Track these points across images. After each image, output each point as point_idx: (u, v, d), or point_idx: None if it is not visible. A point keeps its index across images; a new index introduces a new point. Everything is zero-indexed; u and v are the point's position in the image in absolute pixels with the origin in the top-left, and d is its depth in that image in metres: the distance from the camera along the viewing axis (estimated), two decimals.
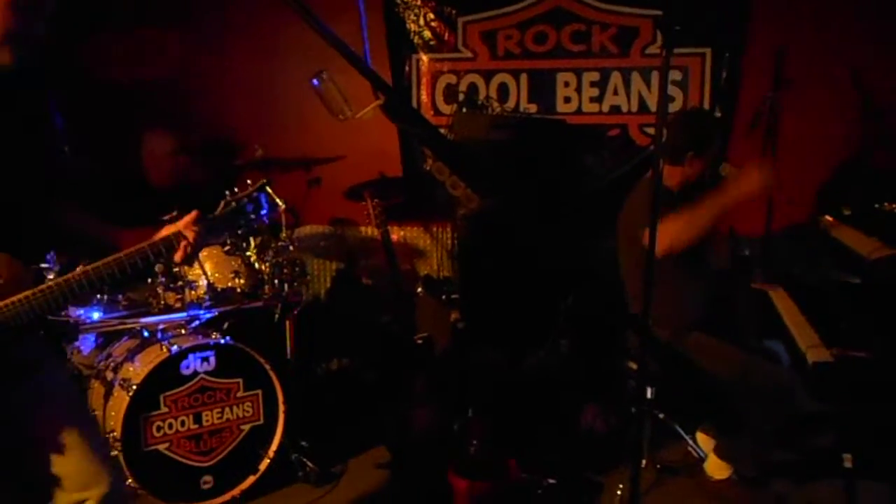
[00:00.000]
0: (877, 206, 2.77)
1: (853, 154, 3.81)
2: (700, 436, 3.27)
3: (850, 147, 3.81)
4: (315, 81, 1.23)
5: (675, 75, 4.04)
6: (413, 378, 3.23)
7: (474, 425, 2.93)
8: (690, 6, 3.92)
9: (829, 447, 2.91)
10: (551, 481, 2.91)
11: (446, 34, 4.24)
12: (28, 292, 1.63)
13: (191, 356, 2.83)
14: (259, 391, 2.99)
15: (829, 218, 3.11)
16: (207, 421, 2.87)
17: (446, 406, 3.24)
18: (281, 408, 3.01)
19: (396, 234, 4.38)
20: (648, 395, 3.01)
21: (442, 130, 3.93)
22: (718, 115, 3.97)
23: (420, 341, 3.29)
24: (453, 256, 4.02)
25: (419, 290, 3.88)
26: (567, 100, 4.17)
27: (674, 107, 3.97)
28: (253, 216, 1.94)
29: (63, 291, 1.67)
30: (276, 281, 3.21)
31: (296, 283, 3.30)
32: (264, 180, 2.00)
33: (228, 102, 4.38)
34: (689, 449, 3.23)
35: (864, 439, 2.56)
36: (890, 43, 3.79)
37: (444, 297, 3.79)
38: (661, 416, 3.20)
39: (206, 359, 2.86)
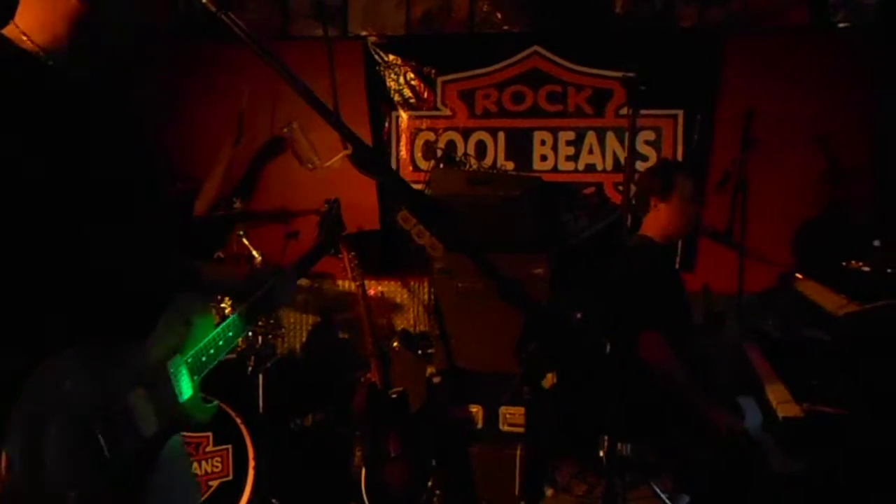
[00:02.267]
0: (844, 263, 2.82)
1: (821, 214, 3.90)
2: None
3: (818, 207, 3.91)
4: (284, 132, 1.25)
5: (648, 136, 4.15)
6: (387, 433, 3.18)
7: (438, 476, 2.89)
8: (662, 69, 4.04)
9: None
10: None
11: (425, 93, 4.33)
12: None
13: None
14: (229, 446, 2.94)
15: (798, 276, 3.17)
16: None
17: (420, 462, 3.20)
18: (251, 463, 2.95)
19: (374, 288, 4.37)
20: (626, 451, 2.99)
21: (420, 186, 3.98)
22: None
23: (395, 396, 3.26)
24: (430, 311, 4.01)
25: (395, 344, 3.86)
26: (543, 158, 4.25)
27: (647, 165, 4.05)
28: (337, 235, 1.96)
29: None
30: (250, 333, 3.19)
31: (270, 336, 3.28)
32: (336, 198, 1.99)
33: (203, 155, 4.40)
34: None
35: (836, 496, 2.56)
36: (854, 108, 3.93)
37: (420, 351, 3.78)
38: (635, 472, 3.17)
39: None
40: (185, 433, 2.76)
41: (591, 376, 2.81)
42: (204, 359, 1.47)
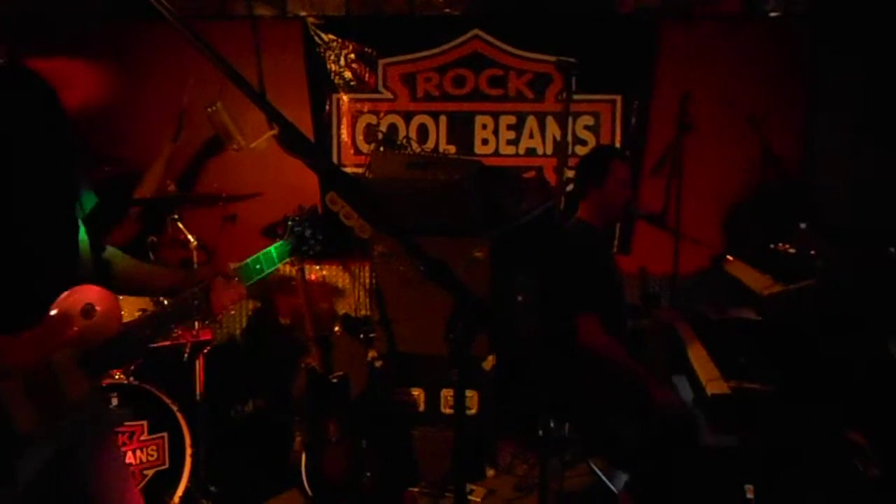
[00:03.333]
0: (772, 246, 2.92)
1: (752, 197, 4.02)
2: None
3: (749, 191, 4.03)
4: (208, 111, 1.22)
5: (587, 120, 4.20)
6: (328, 419, 3.17)
7: (368, 457, 2.91)
8: (601, 54, 4.09)
9: (733, 479, 2.98)
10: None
11: (367, 75, 4.29)
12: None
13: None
14: (165, 434, 2.88)
15: (730, 257, 3.26)
16: None
17: (361, 446, 3.20)
18: (188, 451, 2.90)
19: (315, 272, 4.34)
20: (565, 431, 3.05)
21: (361, 170, 3.95)
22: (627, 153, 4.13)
23: (335, 380, 3.24)
24: (372, 295, 4.00)
25: (337, 329, 3.84)
26: (485, 142, 4.27)
27: (586, 150, 4.11)
28: (312, 241, 1.92)
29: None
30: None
31: (207, 322, 3.22)
32: (315, 205, 1.96)
33: (136, 135, 4.27)
34: (604, 483, 3.27)
35: (765, 470, 2.66)
36: (785, 95, 4.05)
37: (362, 335, 3.76)
38: (574, 451, 3.24)
39: (107, 400, 2.74)
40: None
41: (527, 358, 2.85)
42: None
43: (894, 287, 2.28)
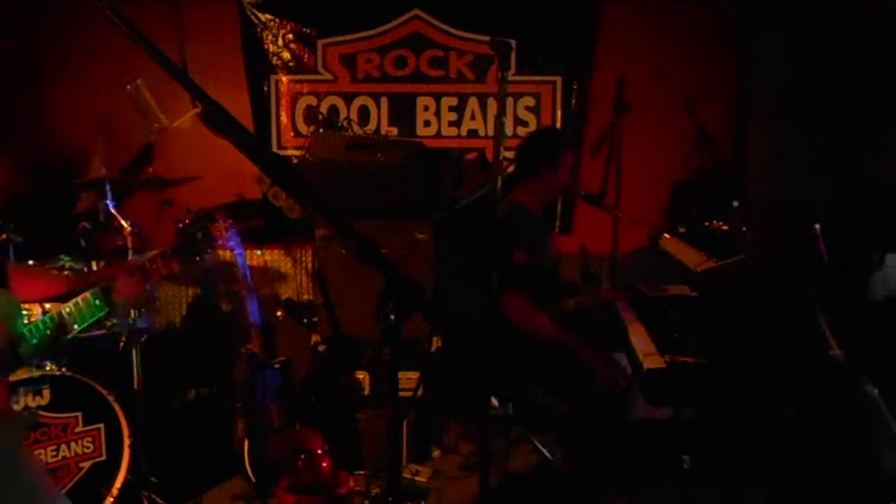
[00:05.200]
0: (706, 223, 2.99)
1: (688, 177, 4.11)
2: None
3: (686, 170, 4.12)
4: (128, 89, 1.18)
5: (528, 101, 4.23)
6: (270, 406, 3.14)
7: (305, 439, 2.90)
8: (542, 36, 4.11)
9: (670, 450, 3.07)
10: (377, 491, 2.92)
11: (306, 56, 4.22)
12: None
13: (21, 390, 2.61)
14: (101, 425, 2.81)
15: (667, 235, 3.33)
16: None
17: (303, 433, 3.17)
18: (126, 442, 2.84)
19: (256, 258, 4.27)
20: (509, 409, 3.10)
21: (301, 152, 3.90)
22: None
23: (278, 366, 3.21)
24: (314, 279, 3.96)
25: (279, 314, 3.79)
26: (426, 123, 4.26)
27: (527, 131, 4.14)
28: (203, 244, 1.89)
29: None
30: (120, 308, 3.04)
31: (143, 310, 3.14)
32: (209, 210, 1.95)
33: (66, 118, 4.12)
34: (546, 459, 3.33)
35: (700, 441, 2.75)
36: (719, 77, 4.15)
37: (305, 320, 3.73)
38: (518, 429, 3.29)
39: (38, 392, 2.65)
40: (50, 414, 2.64)
41: (470, 338, 2.87)
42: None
43: (818, 261, 2.37)
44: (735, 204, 3.13)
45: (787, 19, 3.97)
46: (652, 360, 2.31)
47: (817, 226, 2.58)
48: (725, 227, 2.89)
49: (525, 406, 3.12)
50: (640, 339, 2.62)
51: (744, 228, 2.73)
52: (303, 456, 2.70)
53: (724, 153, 4.09)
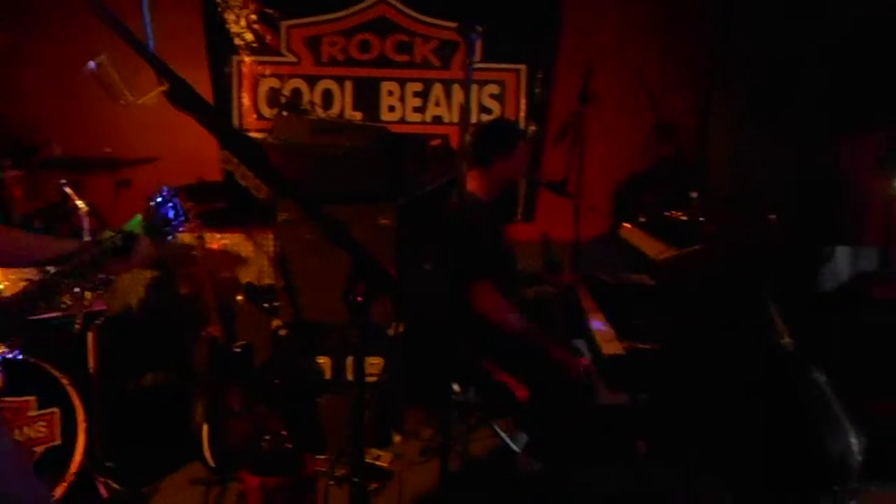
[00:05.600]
0: (665, 213, 3.05)
1: (650, 166, 4.18)
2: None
3: (646, 160, 4.18)
4: (92, 65, 1.16)
5: (492, 89, 4.24)
6: (231, 388, 3.12)
7: (267, 421, 2.90)
8: (507, 24, 4.12)
9: (626, 435, 3.14)
10: (342, 472, 2.96)
11: (269, 37, 4.16)
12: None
13: None
14: (55, 409, 2.75)
15: (627, 225, 3.38)
16: None
17: (265, 416, 3.16)
18: (81, 426, 2.78)
19: (217, 241, 4.21)
20: (469, 395, 3.12)
21: (263, 135, 3.85)
22: (532, 127, 4.21)
23: (238, 350, 3.18)
24: (276, 263, 3.93)
25: (240, 298, 3.76)
26: (391, 108, 4.24)
27: (490, 118, 4.16)
28: (175, 222, 1.84)
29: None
30: (76, 289, 2.97)
31: (99, 292, 3.08)
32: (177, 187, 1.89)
33: (17, 94, 4.01)
34: (506, 444, 3.37)
35: (656, 426, 2.81)
36: (682, 69, 4.21)
37: (266, 304, 3.70)
38: (476, 414, 3.32)
39: None
40: (2, 398, 2.58)
41: (431, 324, 2.89)
42: None
43: (772, 250, 2.44)
44: (694, 195, 3.19)
45: (752, 14, 4.04)
46: (611, 347, 2.35)
47: (772, 218, 2.65)
48: (684, 217, 2.95)
49: (486, 391, 3.15)
50: (600, 326, 2.66)
51: (702, 219, 2.79)
52: (267, 437, 2.69)
53: (685, 144, 4.16)
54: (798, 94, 3.80)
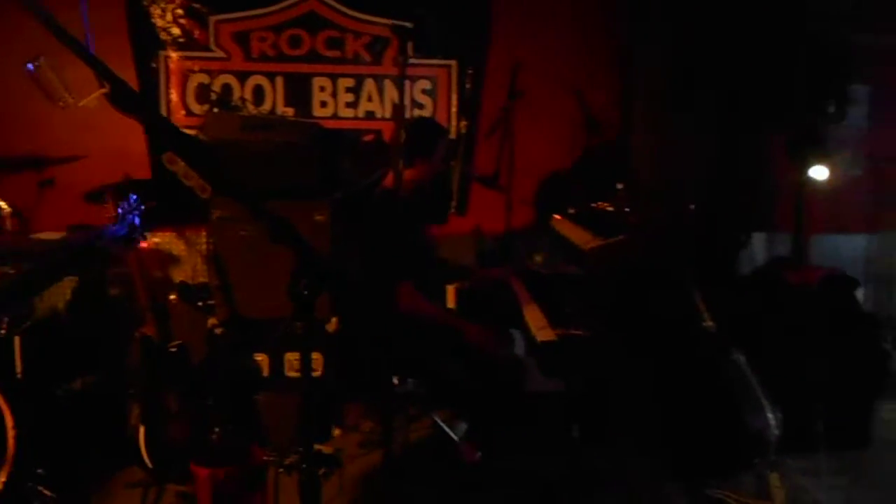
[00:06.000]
0: (593, 204, 3.17)
1: (576, 160, 4.31)
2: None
3: (574, 154, 4.32)
4: (30, 66, 1.16)
5: (424, 84, 4.29)
6: (167, 389, 3.08)
7: (215, 413, 2.90)
8: (437, 20, 4.18)
9: (561, 421, 3.25)
10: (291, 460, 3.01)
11: (197, 32, 4.10)
12: None
13: None
14: None
15: (557, 216, 3.50)
16: None
17: (204, 415, 3.14)
18: (10, 433, 2.71)
19: (148, 240, 4.12)
20: (409, 387, 3.18)
21: (193, 132, 3.80)
22: (464, 122, 4.29)
23: (174, 350, 3.15)
24: (210, 261, 3.89)
25: (173, 297, 3.71)
26: (323, 104, 4.24)
27: (423, 114, 4.21)
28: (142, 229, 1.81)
29: None
30: None
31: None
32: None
33: None
34: (447, 433, 3.44)
35: (589, 410, 2.93)
36: (606, 66, 4.36)
37: (200, 303, 3.67)
38: (416, 405, 3.38)
39: None
40: None
41: (369, 318, 2.93)
42: None
43: (693, 237, 2.58)
44: (619, 186, 3.32)
45: (665, 15, 4.21)
46: (545, 334, 2.45)
47: (692, 207, 2.80)
48: (610, 209, 3.08)
49: (425, 382, 3.21)
50: (533, 315, 2.76)
51: (627, 210, 2.92)
52: (216, 429, 2.68)
53: (610, 138, 4.31)
54: (710, 90, 3.99)
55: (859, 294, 4.37)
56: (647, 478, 3.22)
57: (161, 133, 1.04)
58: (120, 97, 0.98)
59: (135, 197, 1.87)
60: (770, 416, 3.27)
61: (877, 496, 3.26)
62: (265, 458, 2.91)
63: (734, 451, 3.35)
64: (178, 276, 4.19)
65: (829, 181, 4.18)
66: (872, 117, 4.44)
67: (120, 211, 1.83)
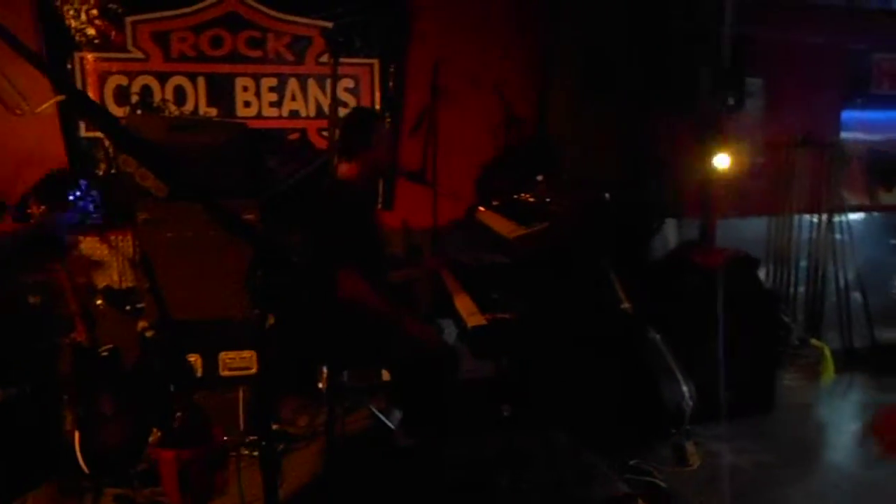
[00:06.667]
0: (516, 196, 3.33)
1: (499, 154, 4.48)
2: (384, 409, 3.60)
3: (496, 148, 4.48)
4: None
5: (347, 83, 4.36)
6: (100, 393, 3.06)
7: (177, 399, 2.96)
8: (357, 20, 4.25)
9: (492, 402, 3.39)
10: (252, 438, 3.17)
11: (113, 33, 4.04)
12: None
13: None
14: None
15: (482, 208, 3.64)
16: None
17: (139, 418, 3.14)
18: None
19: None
20: (344, 379, 3.26)
21: None
22: (388, 119, 4.38)
23: (105, 354, 3.13)
24: (137, 265, 3.85)
25: (99, 302, 3.67)
26: (247, 104, 4.25)
27: (346, 111, 4.27)
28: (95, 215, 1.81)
29: None
30: None
31: None
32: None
33: None
34: (383, 422, 3.54)
35: (518, 391, 3.08)
36: (524, 64, 4.52)
37: (128, 307, 3.64)
38: (354, 397, 3.47)
39: None
40: None
41: (305, 311, 2.98)
42: None
43: (609, 225, 2.76)
44: (539, 178, 3.49)
45: (578, 14, 4.42)
46: (475, 319, 2.58)
47: (606, 196, 2.99)
48: (532, 199, 3.24)
49: (360, 374, 3.31)
50: (463, 303, 2.89)
51: (548, 200, 3.09)
52: (179, 414, 2.73)
53: (530, 133, 4.49)
54: (621, 85, 4.21)
55: (760, 273, 4.71)
56: (572, 454, 3.40)
57: (114, 136, 1.08)
58: (76, 104, 1.02)
59: (85, 183, 1.88)
60: (685, 388, 3.52)
61: (782, 456, 3.56)
62: (227, 438, 3.03)
63: (653, 423, 3.58)
64: (103, 281, 4.12)
65: (730, 168, 4.49)
66: (767, 107, 4.78)
67: (71, 198, 1.85)
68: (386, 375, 3.78)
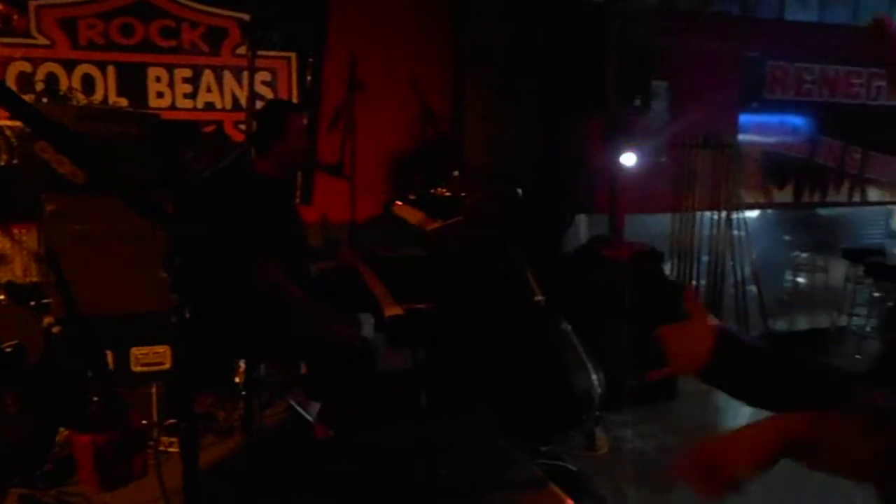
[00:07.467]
0: (432, 190, 3.40)
1: (415, 148, 4.54)
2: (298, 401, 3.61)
3: (413, 143, 4.54)
4: None
5: (265, 76, 4.32)
6: (3, 391, 2.96)
7: (95, 385, 2.91)
8: (273, 12, 4.23)
9: (409, 392, 3.46)
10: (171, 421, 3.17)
11: (16, 17, 3.88)
12: None
13: None
14: None
15: (399, 202, 3.70)
16: None
17: (44, 415, 3.05)
18: None
19: None
20: (260, 372, 3.26)
21: (15, 122, 3.62)
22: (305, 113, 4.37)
23: (9, 350, 3.02)
24: (43, 259, 3.72)
25: (2, 298, 3.52)
26: (160, 95, 4.16)
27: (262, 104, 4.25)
28: None
29: None
30: None
31: None
32: None
33: None
34: (301, 415, 3.55)
35: (435, 380, 3.16)
36: (439, 61, 4.60)
37: (33, 303, 3.51)
38: (272, 390, 3.47)
39: None
40: None
41: (222, 303, 2.97)
42: None
43: (521, 219, 2.87)
44: (455, 173, 3.57)
45: (493, 13, 4.53)
46: (391, 309, 2.64)
47: (519, 191, 3.10)
48: (448, 193, 3.32)
49: (278, 367, 3.31)
50: (380, 295, 2.94)
51: (463, 194, 3.17)
52: (95, 399, 2.67)
53: (445, 128, 4.57)
54: (534, 85, 4.36)
55: (665, 266, 4.96)
56: (487, 441, 3.50)
57: (29, 121, 1.06)
58: None
59: None
60: (594, 377, 3.68)
61: (685, 439, 3.78)
62: (144, 422, 3.03)
63: (565, 410, 3.73)
64: (5, 275, 3.96)
65: (637, 167, 4.71)
66: (671, 110, 5.04)
67: None
68: (304, 368, 3.80)
